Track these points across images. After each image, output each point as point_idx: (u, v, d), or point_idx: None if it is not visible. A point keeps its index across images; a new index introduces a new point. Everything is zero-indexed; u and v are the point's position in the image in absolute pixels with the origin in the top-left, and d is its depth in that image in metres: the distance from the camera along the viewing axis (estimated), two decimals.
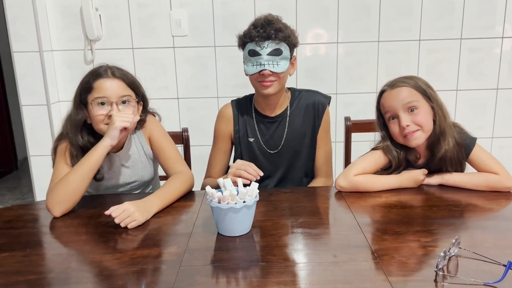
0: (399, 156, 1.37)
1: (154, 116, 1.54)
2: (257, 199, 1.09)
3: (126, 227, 1.12)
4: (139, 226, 1.14)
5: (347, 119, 1.78)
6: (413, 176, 1.36)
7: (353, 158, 1.67)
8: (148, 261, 0.96)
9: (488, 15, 2.22)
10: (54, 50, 2.25)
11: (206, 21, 2.23)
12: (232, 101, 1.60)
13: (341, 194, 1.34)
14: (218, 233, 1.09)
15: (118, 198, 1.39)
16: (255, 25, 1.40)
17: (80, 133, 1.35)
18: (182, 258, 0.97)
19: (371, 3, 2.21)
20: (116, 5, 2.21)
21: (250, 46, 1.39)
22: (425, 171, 1.38)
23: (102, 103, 1.32)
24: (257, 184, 1.09)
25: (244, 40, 1.41)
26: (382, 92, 1.38)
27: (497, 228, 1.09)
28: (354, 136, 1.78)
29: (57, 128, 2.25)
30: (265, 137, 1.54)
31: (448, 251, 0.92)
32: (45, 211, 1.25)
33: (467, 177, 1.36)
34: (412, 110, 1.31)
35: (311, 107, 1.53)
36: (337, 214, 1.22)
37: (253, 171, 1.27)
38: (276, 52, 1.38)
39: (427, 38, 2.24)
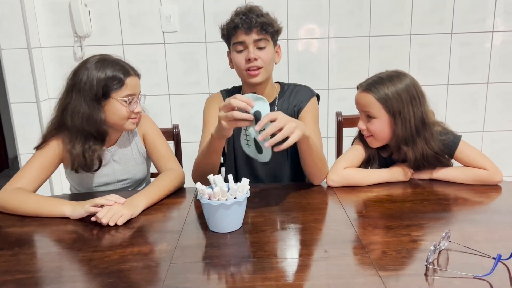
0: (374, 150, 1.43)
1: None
2: (248, 195, 1.08)
3: (116, 225, 1.11)
4: (128, 223, 1.13)
5: (338, 114, 1.78)
6: (404, 169, 1.37)
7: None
8: (138, 259, 0.95)
9: (479, 9, 2.23)
10: (43, 47, 2.22)
11: (196, 17, 2.22)
12: (221, 90, 1.59)
13: (332, 189, 1.34)
14: (209, 230, 1.08)
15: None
16: (237, 13, 1.40)
17: (101, 127, 1.33)
18: (172, 255, 0.96)
19: None
20: (105, 1, 2.19)
21: (234, 34, 1.40)
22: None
23: (131, 101, 1.34)
24: (248, 180, 1.08)
25: (228, 29, 1.41)
26: (357, 88, 1.40)
27: (487, 222, 1.09)
28: (346, 131, 1.78)
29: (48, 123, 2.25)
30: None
31: (438, 245, 0.92)
32: None
33: (456, 172, 1.37)
34: (369, 117, 1.35)
35: (296, 103, 1.52)
36: (328, 209, 1.22)
37: (240, 102, 1.10)
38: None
39: (418, 33, 2.25)
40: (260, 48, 1.39)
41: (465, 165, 1.39)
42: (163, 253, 0.97)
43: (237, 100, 1.10)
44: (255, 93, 1.15)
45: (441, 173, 1.37)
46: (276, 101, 1.52)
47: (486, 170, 1.34)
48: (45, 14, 2.19)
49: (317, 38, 2.25)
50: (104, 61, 1.33)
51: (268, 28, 1.38)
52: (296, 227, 1.09)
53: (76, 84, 1.30)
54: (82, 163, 1.34)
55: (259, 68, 1.40)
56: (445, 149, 1.37)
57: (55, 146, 1.35)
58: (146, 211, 1.21)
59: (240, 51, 1.40)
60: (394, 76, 1.33)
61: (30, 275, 0.91)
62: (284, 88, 1.55)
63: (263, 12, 1.41)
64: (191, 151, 2.27)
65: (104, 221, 1.11)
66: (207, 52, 2.26)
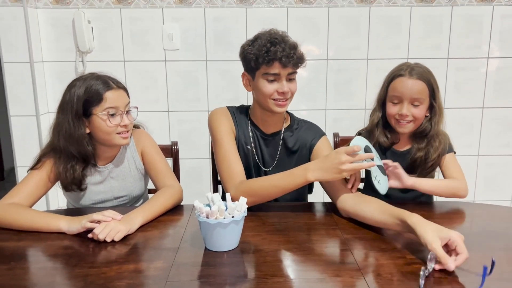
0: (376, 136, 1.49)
1: (139, 128, 1.54)
2: (245, 214, 1.09)
3: (113, 241, 1.12)
4: (125, 240, 1.14)
5: (335, 135, 1.80)
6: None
7: None
8: (134, 276, 0.95)
9: (475, 35, 2.28)
10: (45, 61, 2.25)
11: (198, 36, 2.25)
12: (227, 107, 1.53)
13: (329, 210, 1.35)
14: (206, 248, 1.09)
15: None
16: (272, 42, 1.33)
17: (83, 145, 1.33)
18: (168, 273, 0.96)
19: (361, 21, 2.26)
20: (108, 18, 2.22)
21: (270, 65, 1.34)
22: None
23: (112, 114, 1.33)
24: (246, 199, 1.09)
25: (263, 58, 1.33)
26: (399, 75, 1.42)
27: (481, 246, 1.10)
28: None
29: (46, 139, 2.26)
30: (258, 151, 1.50)
31: (426, 269, 0.93)
32: None
33: (434, 184, 1.41)
34: (416, 104, 1.39)
35: (308, 140, 1.50)
36: (324, 230, 1.23)
37: (364, 155, 1.19)
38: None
39: (415, 57, 2.29)
40: (290, 81, 1.38)
41: (442, 171, 1.47)
42: (159, 271, 0.97)
43: (359, 155, 1.18)
44: (359, 135, 1.32)
45: (422, 184, 1.38)
46: (282, 132, 1.49)
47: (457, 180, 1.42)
48: (48, 29, 2.22)
49: (315, 60, 2.29)
50: (86, 78, 1.33)
51: (301, 63, 1.38)
52: (292, 248, 1.10)
53: (63, 104, 1.33)
54: (65, 182, 1.35)
55: (287, 99, 1.39)
56: (440, 156, 1.44)
57: (48, 166, 1.35)
58: (142, 228, 1.22)
59: (271, 81, 1.36)
60: (426, 68, 1.44)
61: None
62: (294, 121, 1.53)
63: (295, 43, 1.37)
64: (189, 167, 2.29)
65: (101, 237, 1.11)
66: (207, 70, 2.29)
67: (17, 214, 1.23)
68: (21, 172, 2.25)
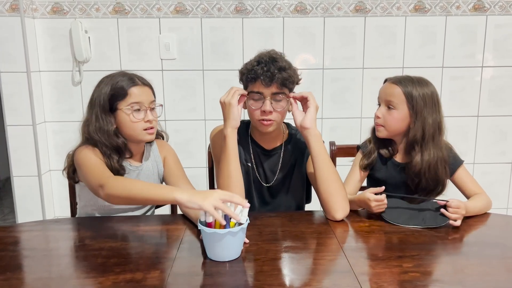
0: (372, 149, 1.50)
1: (163, 136, 1.57)
2: (248, 221, 1.09)
3: (107, 250, 1.11)
4: (121, 249, 1.13)
5: (332, 144, 1.80)
6: (364, 197, 1.34)
7: None
8: (131, 286, 0.95)
9: (469, 44, 2.30)
10: (41, 71, 2.25)
11: (194, 45, 2.26)
12: None
13: (325, 219, 1.35)
14: (203, 258, 1.08)
15: (107, 220, 1.37)
16: (259, 61, 1.36)
17: (114, 138, 1.35)
18: (165, 283, 0.96)
19: (356, 31, 2.28)
20: (106, 28, 2.23)
21: (253, 83, 1.38)
22: (376, 189, 1.34)
23: (138, 110, 1.35)
24: (249, 205, 1.08)
25: (248, 77, 1.38)
26: (385, 81, 1.48)
27: (478, 255, 1.11)
28: (339, 160, 1.80)
29: (43, 148, 2.27)
30: (258, 167, 1.51)
31: None
32: (27, 234, 1.24)
33: (477, 206, 1.38)
34: (389, 108, 1.41)
35: (302, 148, 1.51)
36: (321, 238, 1.23)
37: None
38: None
39: (410, 66, 2.30)
40: (276, 101, 1.37)
41: (460, 188, 1.47)
42: (155, 281, 0.97)
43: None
44: None
45: (470, 208, 1.33)
46: (283, 146, 1.51)
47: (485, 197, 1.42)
48: (46, 39, 2.23)
49: (311, 69, 2.30)
50: (113, 76, 1.38)
51: (288, 84, 1.37)
52: (289, 257, 1.10)
53: (91, 100, 1.37)
54: (110, 169, 1.31)
55: (272, 120, 1.38)
56: (445, 167, 1.42)
57: (95, 152, 1.33)
58: (139, 236, 1.21)
59: (256, 100, 1.37)
60: (423, 81, 1.43)
61: None
62: (291, 134, 1.53)
63: (286, 64, 1.37)
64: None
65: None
66: (204, 79, 2.30)
67: (129, 184, 1.20)
68: (17, 182, 2.24)
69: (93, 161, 1.30)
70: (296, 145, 1.52)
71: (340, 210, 1.33)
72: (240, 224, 1.08)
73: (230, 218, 1.07)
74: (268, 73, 1.33)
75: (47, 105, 2.29)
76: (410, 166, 1.42)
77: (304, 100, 1.40)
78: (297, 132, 1.54)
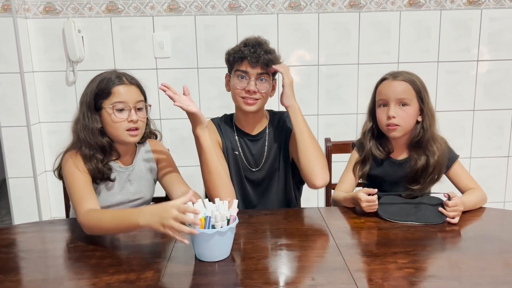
0: (369, 148, 1.48)
1: (156, 135, 1.55)
2: (237, 221, 1.08)
3: (101, 251, 1.10)
4: (115, 249, 1.12)
5: (327, 140, 1.80)
6: (356, 196, 1.33)
7: (333, 179, 1.68)
8: (125, 286, 0.94)
9: (464, 38, 2.29)
10: (35, 71, 2.24)
11: (189, 43, 2.25)
12: (212, 119, 1.61)
13: (321, 216, 1.35)
14: (197, 258, 1.08)
15: None
16: (246, 44, 1.46)
17: (99, 137, 1.33)
18: (159, 283, 0.96)
19: (350, 26, 2.27)
20: (99, 27, 2.22)
21: (240, 63, 1.45)
22: (370, 190, 1.32)
23: (121, 109, 1.32)
24: (236, 203, 1.09)
25: (235, 57, 1.46)
26: (383, 80, 1.44)
27: (474, 249, 1.10)
28: (335, 157, 1.79)
29: (38, 149, 2.25)
30: (246, 154, 1.57)
31: None
32: (22, 235, 1.24)
33: (473, 201, 1.38)
34: (403, 105, 1.39)
35: (284, 129, 1.57)
36: (316, 235, 1.22)
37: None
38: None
39: (406, 61, 2.30)
40: (260, 80, 1.46)
41: (455, 183, 1.46)
42: (149, 281, 0.97)
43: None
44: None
45: (466, 202, 1.33)
46: (267, 129, 1.58)
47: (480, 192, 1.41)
48: (39, 39, 2.21)
49: (306, 65, 2.30)
50: (102, 74, 1.36)
51: (270, 65, 1.45)
52: (283, 254, 1.09)
53: (81, 98, 1.36)
54: (92, 173, 1.31)
55: (256, 99, 1.46)
56: (444, 161, 1.42)
57: (78, 163, 1.31)
58: (133, 236, 1.21)
59: (241, 78, 1.46)
60: (412, 73, 1.44)
61: None
62: (273, 117, 1.61)
63: (271, 48, 1.48)
64: (182, 175, 2.28)
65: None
66: (198, 78, 2.29)
67: (99, 219, 1.19)
68: (12, 183, 2.23)
69: (74, 181, 1.28)
70: (279, 125, 1.59)
71: (320, 178, 1.41)
72: (228, 223, 1.07)
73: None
74: (255, 54, 1.42)
75: (41, 106, 2.27)
76: (413, 161, 1.41)
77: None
78: (275, 115, 1.61)
